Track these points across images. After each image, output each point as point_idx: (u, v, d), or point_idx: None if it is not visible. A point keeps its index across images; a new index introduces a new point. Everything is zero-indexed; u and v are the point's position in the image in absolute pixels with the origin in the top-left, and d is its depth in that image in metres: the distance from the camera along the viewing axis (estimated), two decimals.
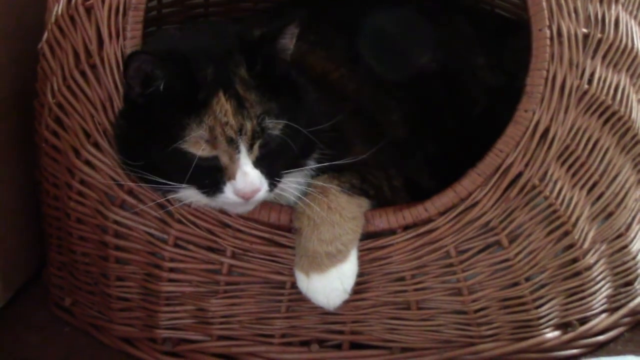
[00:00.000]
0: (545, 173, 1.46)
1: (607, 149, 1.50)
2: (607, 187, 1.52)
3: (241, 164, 1.34)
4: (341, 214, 1.43)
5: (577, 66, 1.45)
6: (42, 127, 1.57)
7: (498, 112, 1.53)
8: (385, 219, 1.46)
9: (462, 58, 1.72)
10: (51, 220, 1.64)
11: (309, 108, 1.41)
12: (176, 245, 1.49)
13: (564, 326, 1.56)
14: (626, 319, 1.62)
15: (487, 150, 1.45)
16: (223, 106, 1.33)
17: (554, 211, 1.48)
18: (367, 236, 1.46)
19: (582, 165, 1.49)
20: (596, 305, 1.58)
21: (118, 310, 1.57)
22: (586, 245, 1.52)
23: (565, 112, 1.45)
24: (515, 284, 1.51)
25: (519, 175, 1.45)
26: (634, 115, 1.53)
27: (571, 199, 1.49)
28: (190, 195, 1.38)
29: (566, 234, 1.50)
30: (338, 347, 1.53)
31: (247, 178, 1.34)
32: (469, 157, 1.47)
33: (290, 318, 1.52)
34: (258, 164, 1.35)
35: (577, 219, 1.50)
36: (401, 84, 1.64)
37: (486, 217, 1.46)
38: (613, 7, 1.50)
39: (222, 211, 1.45)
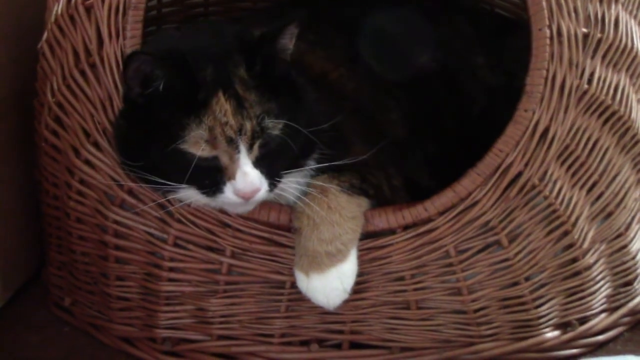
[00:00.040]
0: (545, 173, 1.46)
1: (607, 149, 1.50)
2: (607, 187, 1.52)
3: (241, 164, 1.34)
4: (341, 213, 1.43)
5: (576, 66, 1.45)
6: (41, 126, 1.57)
7: (498, 111, 1.53)
8: (385, 219, 1.46)
9: (462, 58, 1.72)
10: (51, 220, 1.64)
11: (309, 108, 1.41)
12: (176, 245, 1.49)
13: (563, 326, 1.56)
14: (626, 319, 1.62)
15: (487, 150, 1.45)
16: (223, 106, 1.33)
17: (554, 211, 1.48)
18: (366, 236, 1.46)
19: (581, 165, 1.49)
20: (596, 305, 1.58)
21: (118, 310, 1.57)
22: (586, 245, 1.52)
23: (565, 111, 1.45)
24: (515, 284, 1.51)
25: (519, 175, 1.45)
26: (633, 115, 1.53)
27: (571, 198, 1.49)
28: (190, 195, 1.38)
29: (566, 233, 1.50)
30: (338, 346, 1.54)
31: (247, 178, 1.34)
32: (469, 156, 1.47)
33: (290, 318, 1.52)
34: (258, 164, 1.35)
35: (577, 219, 1.50)
36: (401, 84, 1.64)
37: (486, 217, 1.46)
38: (613, 6, 1.50)
39: (222, 211, 1.45)
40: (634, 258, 1.61)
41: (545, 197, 1.47)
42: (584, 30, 1.46)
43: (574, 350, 1.56)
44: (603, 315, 1.60)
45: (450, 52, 1.70)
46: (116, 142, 1.44)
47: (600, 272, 1.57)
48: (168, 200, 1.41)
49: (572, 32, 1.45)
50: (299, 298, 1.47)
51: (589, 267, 1.54)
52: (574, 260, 1.53)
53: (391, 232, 1.47)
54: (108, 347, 1.60)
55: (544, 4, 1.43)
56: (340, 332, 1.53)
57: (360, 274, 1.46)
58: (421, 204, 1.46)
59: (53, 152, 1.56)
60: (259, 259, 1.48)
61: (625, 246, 1.59)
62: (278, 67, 1.38)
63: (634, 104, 1.53)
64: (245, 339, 1.54)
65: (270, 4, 1.91)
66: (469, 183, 1.45)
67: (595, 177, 1.51)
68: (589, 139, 1.48)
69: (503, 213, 1.47)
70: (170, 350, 1.55)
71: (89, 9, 1.48)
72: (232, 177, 1.34)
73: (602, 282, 1.57)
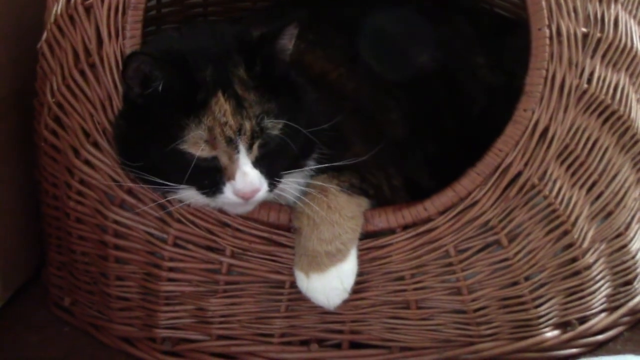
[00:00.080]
0: (545, 172, 1.46)
1: (607, 148, 1.50)
2: (607, 187, 1.52)
3: (240, 164, 1.34)
4: (341, 213, 1.43)
5: (576, 65, 1.45)
6: (41, 126, 1.57)
7: (498, 111, 1.53)
8: (385, 219, 1.46)
9: (462, 57, 1.72)
10: (50, 220, 1.64)
11: (309, 108, 1.41)
12: (175, 245, 1.49)
13: (563, 325, 1.56)
14: (625, 318, 1.62)
15: (487, 149, 1.45)
16: (222, 106, 1.33)
17: (553, 210, 1.48)
18: (366, 235, 1.46)
19: (581, 164, 1.49)
20: (595, 305, 1.58)
21: (118, 310, 1.57)
22: (585, 245, 1.52)
23: (565, 111, 1.45)
24: (515, 283, 1.51)
25: (519, 174, 1.45)
26: (633, 114, 1.53)
27: (570, 198, 1.49)
28: (189, 195, 1.38)
29: (565, 233, 1.50)
30: (337, 346, 1.54)
31: (247, 178, 1.34)
32: (469, 156, 1.47)
33: (290, 317, 1.52)
34: (257, 164, 1.35)
35: (577, 218, 1.50)
36: (401, 84, 1.64)
37: (485, 217, 1.46)
38: (612, 6, 1.50)
39: (222, 210, 1.45)
40: (633, 257, 1.61)
41: (545, 197, 1.47)
42: (584, 29, 1.46)
43: (574, 350, 1.56)
44: (603, 314, 1.60)
45: (450, 52, 1.70)
46: (116, 143, 1.44)
47: (600, 272, 1.57)
48: (168, 201, 1.41)
49: (572, 31, 1.45)
50: (299, 298, 1.47)
51: (588, 267, 1.54)
52: (574, 259, 1.53)
53: (391, 231, 1.47)
54: (108, 347, 1.60)
55: (544, 3, 1.43)
56: (340, 331, 1.53)
57: (360, 273, 1.46)
58: (421, 204, 1.46)
59: (53, 152, 1.56)
60: (259, 259, 1.48)
61: (625, 245, 1.59)
62: (278, 68, 1.38)
63: (634, 103, 1.53)
64: (245, 338, 1.54)
65: (269, 4, 1.91)
66: (469, 183, 1.45)
67: (595, 176, 1.51)
68: (588, 139, 1.48)
69: (503, 213, 1.47)
70: (170, 350, 1.55)
71: (88, 9, 1.47)
72: (231, 177, 1.34)
73: (601, 282, 1.57)
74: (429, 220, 1.47)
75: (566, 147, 1.47)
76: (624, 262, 1.60)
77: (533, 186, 1.46)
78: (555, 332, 1.56)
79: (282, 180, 1.39)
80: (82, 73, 1.48)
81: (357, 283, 1.46)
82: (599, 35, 1.48)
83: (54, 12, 1.53)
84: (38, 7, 1.64)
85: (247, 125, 1.33)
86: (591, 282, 1.56)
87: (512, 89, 1.48)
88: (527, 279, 1.51)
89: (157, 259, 1.51)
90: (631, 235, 1.59)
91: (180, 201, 1.41)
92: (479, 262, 1.49)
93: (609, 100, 1.49)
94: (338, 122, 1.44)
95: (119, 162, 1.44)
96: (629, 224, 1.58)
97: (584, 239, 1.52)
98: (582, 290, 1.55)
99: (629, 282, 1.62)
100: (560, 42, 1.44)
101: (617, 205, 1.54)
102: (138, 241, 1.51)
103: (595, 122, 1.49)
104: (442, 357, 1.53)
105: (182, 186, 1.36)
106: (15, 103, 1.70)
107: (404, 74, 1.64)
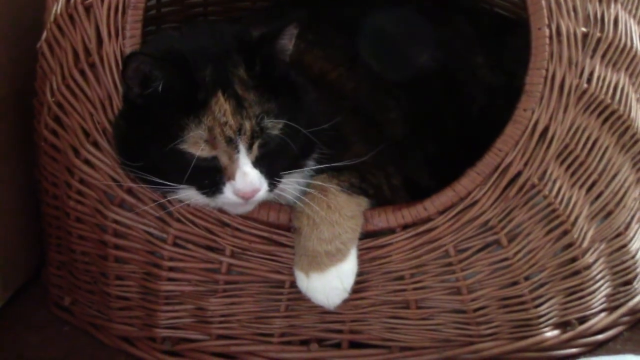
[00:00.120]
0: (545, 172, 1.46)
1: (606, 148, 1.50)
2: (606, 186, 1.52)
3: (240, 164, 1.34)
4: (340, 213, 1.43)
5: (576, 65, 1.45)
6: (41, 126, 1.57)
7: (497, 111, 1.53)
8: (385, 218, 1.46)
9: (462, 57, 1.72)
10: (50, 220, 1.64)
11: (308, 108, 1.41)
12: (175, 245, 1.49)
13: (563, 325, 1.56)
14: (625, 318, 1.62)
15: (487, 149, 1.45)
16: (222, 106, 1.33)
17: (553, 210, 1.48)
18: (366, 235, 1.47)
19: (581, 164, 1.49)
20: (595, 304, 1.58)
21: (117, 310, 1.57)
22: (585, 244, 1.52)
23: (565, 111, 1.45)
24: (515, 283, 1.51)
25: (518, 174, 1.45)
26: (633, 114, 1.53)
27: (570, 198, 1.49)
28: (189, 195, 1.38)
29: (565, 233, 1.50)
30: (337, 346, 1.54)
31: (247, 178, 1.34)
32: (469, 156, 1.47)
33: (290, 317, 1.52)
34: (257, 163, 1.35)
35: (576, 218, 1.50)
36: (401, 84, 1.64)
37: (485, 216, 1.46)
38: (612, 6, 1.50)
39: (221, 210, 1.45)
40: (633, 257, 1.61)
41: (545, 197, 1.47)
42: (583, 29, 1.46)
43: (574, 350, 1.57)
44: (602, 314, 1.60)
45: (450, 52, 1.70)
46: (115, 142, 1.44)
47: (600, 272, 1.57)
48: (168, 200, 1.41)
49: (572, 31, 1.45)
50: (299, 297, 1.47)
51: (588, 267, 1.54)
52: (574, 259, 1.53)
53: (391, 231, 1.47)
54: (108, 347, 1.60)
55: (543, 3, 1.43)
56: (340, 331, 1.53)
57: (359, 273, 1.46)
58: (421, 204, 1.46)
59: (53, 152, 1.56)
60: (259, 259, 1.48)
61: (624, 245, 1.59)
62: (277, 67, 1.38)
63: (634, 103, 1.53)
64: (244, 338, 1.54)
65: (269, 4, 1.91)
66: (469, 182, 1.45)
67: (594, 176, 1.51)
68: (588, 138, 1.48)
69: (502, 212, 1.47)
70: (169, 350, 1.55)
71: (88, 9, 1.48)
72: (231, 177, 1.34)
73: (601, 282, 1.58)
74: (428, 220, 1.47)
75: (566, 146, 1.47)
76: (624, 262, 1.60)
77: (533, 186, 1.46)
78: (555, 332, 1.56)
79: (282, 180, 1.39)
80: (82, 73, 1.48)
81: (357, 283, 1.46)
82: (598, 34, 1.48)
83: (53, 11, 1.53)
84: (38, 7, 1.64)
85: (247, 125, 1.33)
86: (591, 282, 1.56)
87: (512, 89, 1.48)
88: (526, 278, 1.51)
89: (157, 258, 1.51)
90: (631, 235, 1.59)
91: (180, 201, 1.41)
92: (478, 262, 1.49)
93: (608, 100, 1.49)
94: (338, 122, 1.44)
95: (119, 162, 1.44)
96: (629, 223, 1.58)
97: (583, 238, 1.52)
98: (581, 290, 1.56)
99: (629, 282, 1.62)
100: (560, 42, 1.44)
101: (616, 205, 1.54)
102: (138, 241, 1.51)
103: (595, 121, 1.49)
104: (442, 356, 1.53)
105: (182, 186, 1.36)
106: (15, 103, 1.70)
107: (403, 73, 1.64)
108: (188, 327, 1.54)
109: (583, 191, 1.50)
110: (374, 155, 1.47)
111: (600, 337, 1.59)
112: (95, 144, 1.48)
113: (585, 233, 1.52)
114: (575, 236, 1.51)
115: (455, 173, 1.47)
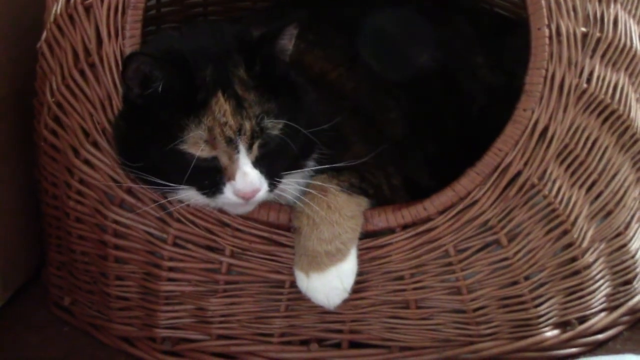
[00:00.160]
0: (544, 172, 1.46)
1: (606, 148, 1.50)
2: (606, 186, 1.52)
3: (240, 164, 1.34)
4: (340, 212, 1.43)
5: (576, 65, 1.45)
6: (41, 126, 1.57)
7: (497, 111, 1.53)
8: (384, 218, 1.46)
9: (462, 57, 1.72)
10: (50, 220, 1.64)
11: (308, 108, 1.41)
12: (175, 245, 1.49)
13: (563, 325, 1.56)
14: (625, 318, 1.62)
15: (486, 149, 1.45)
16: (222, 106, 1.33)
17: (553, 210, 1.48)
18: (366, 235, 1.47)
19: (581, 164, 1.49)
20: (595, 304, 1.58)
21: (117, 310, 1.57)
22: (585, 244, 1.52)
23: (564, 111, 1.45)
24: (514, 283, 1.51)
25: (518, 174, 1.45)
26: (632, 114, 1.53)
27: (570, 197, 1.49)
28: (189, 196, 1.38)
29: (565, 232, 1.50)
30: (337, 346, 1.54)
31: (247, 178, 1.34)
32: (469, 156, 1.47)
33: (290, 317, 1.52)
34: (258, 164, 1.35)
35: (576, 218, 1.50)
36: (400, 84, 1.64)
37: (485, 216, 1.46)
38: (612, 6, 1.50)
39: (221, 210, 1.45)
40: (633, 257, 1.61)
41: (545, 196, 1.47)
42: (583, 29, 1.46)
43: (574, 350, 1.57)
44: (602, 314, 1.60)
45: (450, 52, 1.70)
46: (115, 143, 1.44)
47: (600, 271, 1.57)
48: (168, 201, 1.41)
49: (571, 31, 1.45)
50: (299, 297, 1.47)
51: (588, 266, 1.54)
52: (574, 259, 1.53)
53: (390, 231, 1.47)
54: (108, 347, 1.60)
55: (543, 3, 1.43)
56: (340, 331, 1.53)
57: (359, 273, 1.46)
58: (420, 204, 1.46)
59: (52, 152, 1.56)
60: (259, 259, 1.48)
61: (624, 245, 1.59)
62: (277, 68, 1.38)
63: (633, 103, 1.53)
64: (244, 338, 1.54)
65: (269, 4, 1.91)
66: (468, 182, 1.45)
67: (594, 176, 1.51)
68: (588, 138, 1.48)
69: (502, 212, 1.47)
70: (169, 350, 1.55)
71: (88, 9, 1.48)
72: (231, 177, 1.34)
73: (601, 281, 1.58)
74: (428, 219, 1.47)
75: (566, 146, 1.47)
76: (624, 262, 1.60)
77: (532, 186, 1.46)
78: (555, 332, 1.56)
79: (282, 180, 1.39)
80: (82, 73, 1.48)
81: (356, 283, 1.46)
82: (598, 34, 1.48)
83: (53, 11, 1.53)
84: (38, 7, 1.64)
85: (247, 125, 1.33)
86: (591, 282, 1.56)
87: (512, 89, 1.48)
88: (526, 278, 1.51)
89: (157, 258, 1.51)
90: (631, 234, 1.59)
91: (181, 201, 1.41)
92: (478, 262, 1.49)
93: (608, 100, 1.49)
94: (338, 122, 1.44)
95: (119, 163, 1.44)
96: (629, 223, 1.58)
97: (583, 238, 1.52)
98: (581, 290, 1.56)
99: (629, 282, 1.62)
100: (559, 42, 1.44)
101: (616, 205, 1.54)
102: (138, 241, 1.51)
103: (595, 121, 1.49)
104: (442, 356, 1.53)
105: (182, 186, 1.36)
106: (15, 103, 1.70)
107: (403, 73, 1.64)
108: (188, 327, 1.54)
109: (583, 191, 1.50)
110: (374, 156, 1.47)
111: (600, 336, 1.59)
112: (95, 144, 1.48)
113: (585, 233, 1.52)
114: (575, 236, 1.51)
115: (455, 173, 1.47)
